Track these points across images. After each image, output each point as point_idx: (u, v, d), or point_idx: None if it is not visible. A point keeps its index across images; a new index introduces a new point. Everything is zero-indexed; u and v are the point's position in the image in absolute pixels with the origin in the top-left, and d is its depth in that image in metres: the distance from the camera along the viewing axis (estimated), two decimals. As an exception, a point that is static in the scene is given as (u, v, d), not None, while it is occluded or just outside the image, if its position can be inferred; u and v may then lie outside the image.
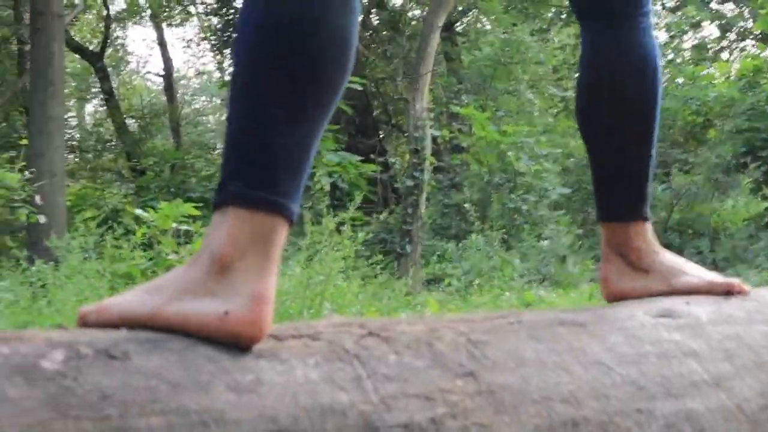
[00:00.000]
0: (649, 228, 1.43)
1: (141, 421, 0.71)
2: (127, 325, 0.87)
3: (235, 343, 0.85)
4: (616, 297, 1.40)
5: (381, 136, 15.01)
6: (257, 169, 0.94)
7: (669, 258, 1.42)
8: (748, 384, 1.15)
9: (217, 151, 18.55)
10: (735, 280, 1.42)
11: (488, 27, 15.25)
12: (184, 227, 2.76)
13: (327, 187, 9.35)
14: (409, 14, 15.45)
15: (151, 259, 2.75)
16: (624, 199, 1.42)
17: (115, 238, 3.51)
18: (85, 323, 0.91)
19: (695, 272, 1.41)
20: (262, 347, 0.85)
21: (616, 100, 1.39)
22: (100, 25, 18.76)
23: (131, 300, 0.92)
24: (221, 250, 0.91)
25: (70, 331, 0.82)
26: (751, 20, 15.74)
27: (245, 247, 0.91)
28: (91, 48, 17.64)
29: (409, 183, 9.03)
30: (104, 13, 17.87)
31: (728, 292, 1.38)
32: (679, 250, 10.24)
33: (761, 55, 13.09)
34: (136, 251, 3.37)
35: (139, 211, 2.64)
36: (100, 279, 3.39)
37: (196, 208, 2.75)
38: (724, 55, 17.70)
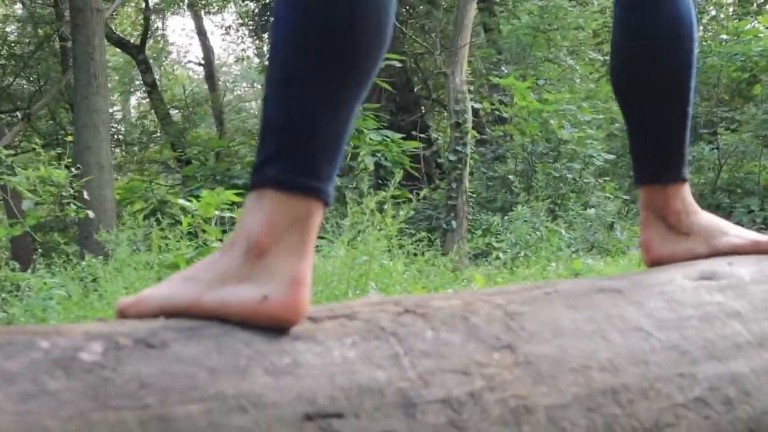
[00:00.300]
0: (687, 189, 1.41)
1: (180, 408, 0.72)
2: (166, 315, 0.88)
3: (274, 326, 0.86)
4: (658, 262, 1.39)
5: (422, 111, 14.97)
6: (295, 153, 0.94)
7: (709, 219, 1.40)
8: (793, 343, 1.13)
9: (260, 137, 18.63)
10: None
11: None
12: (227, 214, 2.79)
13: (371, 167, 9.36)
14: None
15: (197, 247, 2.79)
16: (661, 160, 1.40)
17: (161, 229, 3.55)
18: (123, 315, 0.93)
19: (737, 232, 1.39)
20: (299, 329, 0.86)
21: (650, 64, 1.38)
22: (140, 17, 18.92)
23: (169, 290, 0.93)
24: (258, 235, 0.92)
25: (109, 324, 0.84)
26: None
27: (282, 231, 0.92)
28: (131, 41, 17.79)
29: (452, 158, 9.00)
30: (143, 5, 18.02)
31: None
32: (729, 210, 10.11)
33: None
34: (182, 241, 3.42)
35: (182, 201, 2.67)
36: (149, 270, 3.45)
37: (237, 194, 2.77)
38: (769, 8, 17.33)
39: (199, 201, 2.72)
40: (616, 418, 0.93)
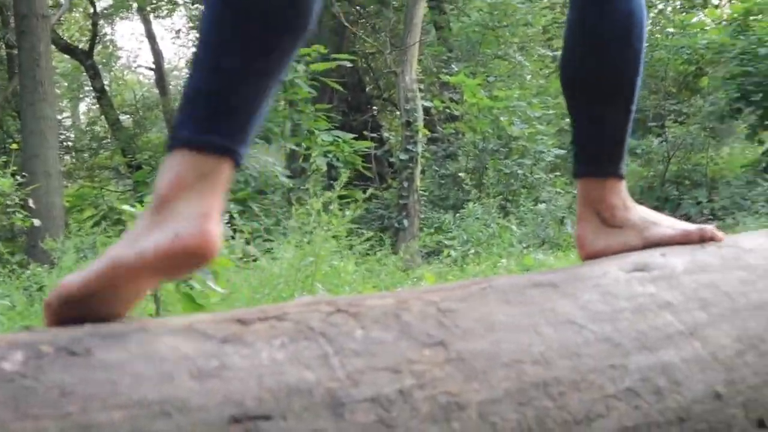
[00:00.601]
0: (624, 185, 1.43)
1: (102, 415, 0.71)
2: (91, 291, 0.91)
3: (192, 263, 0.92)
4: (592, 256, 1.40)
5: (374, 111, 14.97)
6: (207, 117, 0.99)
7: (642, 212, 1.43)
8: (725, 331, 1.15)
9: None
10: (709, 227, 1.42)
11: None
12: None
13: (323, 167, 9.35)
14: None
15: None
16: (602, 156, 1.42)
17: (107, 237, 3.51)
18: (52, 311, 0.94)
19: (669, 223, 1.41)
20: (227, 333, 0.86)
21: (599, 62, 1.40)
22: (88, 22, 18.69)
23: (88, 269, 0.94)
24: (166, 189, 0.95)
25: (33, 332, 0.82)
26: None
27: (190, 185, 0.95)
28: (80, 46, 17.57)
29: (403, 156, 9.02)
30: (90, 10, 17.80)
31: (703, 239, 1.38)
32: (678, 202, 10.25)
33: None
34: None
35: (126, 207, 2.64)
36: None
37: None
38: (715, 1, 17.59)
39: (143, 206, 2.69)
40: (547, 411, 0.94)
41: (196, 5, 18.70)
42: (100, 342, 0.79)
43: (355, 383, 0.84)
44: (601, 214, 1.41)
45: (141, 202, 2.73)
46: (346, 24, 11.82)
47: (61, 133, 16.98)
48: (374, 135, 11.41)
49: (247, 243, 4.10)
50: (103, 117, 17.44)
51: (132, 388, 0.75)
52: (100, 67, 17.92)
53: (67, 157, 17.32)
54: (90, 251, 4.40)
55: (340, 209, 3.82)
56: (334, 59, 9.54)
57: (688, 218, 9.68)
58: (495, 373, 0.93)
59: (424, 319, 0.96)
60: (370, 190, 4.88)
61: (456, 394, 0.89)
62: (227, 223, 4.28)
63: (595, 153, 1.43)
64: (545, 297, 1.09)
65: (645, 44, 1.42)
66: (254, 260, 3.95)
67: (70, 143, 18.27)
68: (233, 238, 4.09)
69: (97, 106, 18.15)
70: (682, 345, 1.09)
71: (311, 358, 0.85)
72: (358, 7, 14.96)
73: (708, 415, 1.06)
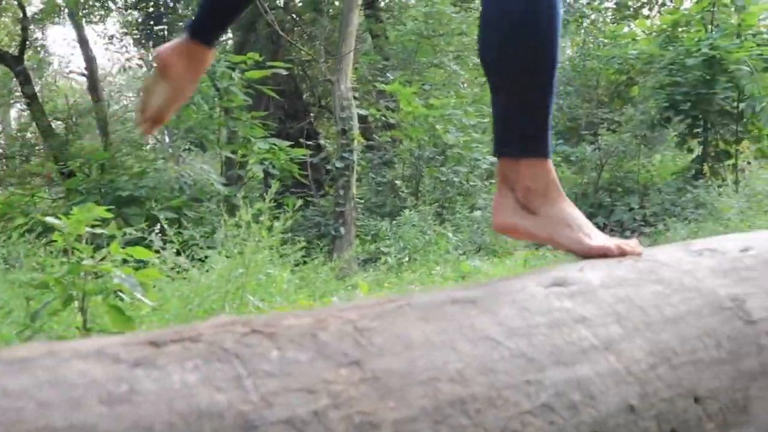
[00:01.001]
0: (547, 169, 1.43)
1: (4, 444, 0.70)
2: None
3: None
4: (501, 228, 1.43)
5: (311, 118, 14.94)
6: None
7: (563, 208, 1.43)
8: (638, 345, 1.17)
9: (148, 147, 18.30)
10: (631, 242, 1.44)
11: (412, 1, 15.23)
12: (98, 231, 2.73)
13: (260, 175, 9.33)
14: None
15: (65, 264, 2.72)
16: (516, 135, 1.44)
17: (34, 252, 3.45)
18: None
19: (586, 231, 1.42)
20: (139, 356, 0.85)
21: (517, 40, 1.42)
22: (17, 27, 18.33)
23: None
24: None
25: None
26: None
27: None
28: (9, 51, 17.21)
29: (339, 164, 9.01)
30: (20, 15, 17.46)
31: (623, 254, 1.40)
32: (611, 209, 10.41)
33: (680, 8, 13.27)
34: (57, 258, 3.33)
35: (50, 219, 2.59)
36: (15, 289, 3.35)
37: (108, 210, 2.72)
38: (646, 12, 17.93)
39: (69, 218, 2.65)
40: (464, 429, 0.94)
41: (129, 11, 18.47)
42: (5, 368, 0.77)
43: (268, 405, 0.84)
44: (515, 194, 1.43)
45: (67, 214, 2.69)
46: (281, 32, 11.78)
47: (-10, 140, 16.63)
48: (311, 143, 11.38)
49: (178, 254, 4.06)
50: (34, 123, 17.09)
51: (38, 415, 0.73)
52: (31, 72, 17.58)
53: (-3, 164, 16.98)
54: (17, 261, 4.32)
55: (275, 218, 3.81)
56: (270, 67, 9.50)
57: (621, 224, 9.85)
58: (411, 391, 0.93)
59: (341, 338, 0.96)
60: (298, 202, 4.85)
61: (371, 413, 0.89)
62: (158, 232, 4.24)
63: (511, 132, 1.45)
64: (463, 313, 1.10)
65: (557, 34, 1.43)
66: (185, 270, 3.91)
67: (0, 150, 17.90)
68: (164, 248, 4.05)
69: (28, 112, 17.79)
70: (596, 359, 1.11)
71: (224, 380, 0.84)
72: (293, 15, 14.92)
73: (622, 428, 1.08)
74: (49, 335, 2.78)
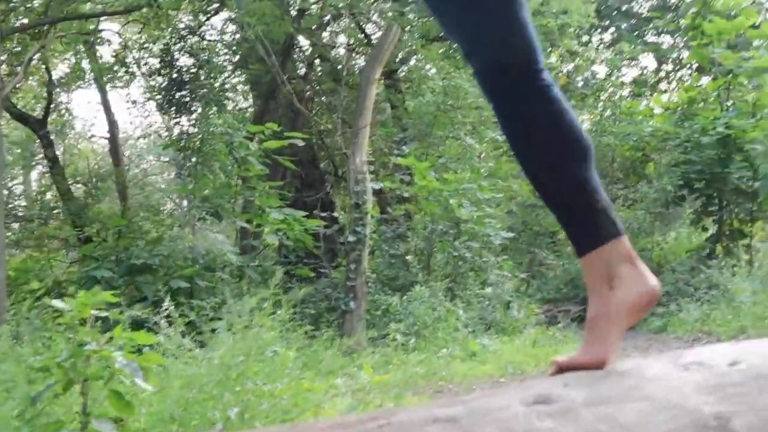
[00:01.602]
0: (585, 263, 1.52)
1: None
2: None
3: None
4: None
5: (328, 187, 15.02)
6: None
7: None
8: (617, 467, 1.17)
9: (165, 210, 18.44)
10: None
11: (432, 71, 15.40)
12: (104, 314, 2.76)
13: (276, 243, 9.38)
14: (352, 62, 15.54)
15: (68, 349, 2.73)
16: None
17: (43, 322, 3.48)
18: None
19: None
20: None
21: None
22: (43, 91, 18.61)
23: None
24: None
25: None
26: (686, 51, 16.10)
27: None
28: (35, 114, 17.46)
29: (352, 238, 9.05)
30: (46, 78, 17.74)
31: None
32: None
33: (696, 85, 13.37)
34: (65, 333, 3.33)
35: (56, 302, 2.62)
36: (20, 366, 3.36)
37: (114, 295, 2.75)
38: (663, 86, 18.05)
39: (74, 300, 2.69)
40: None
41: (153, 76, 18.73)
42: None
43: None
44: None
45: (93, 277, 2.71)
46: (298, 105, 11.93)
47: (11, 200, 16.77)
48: (323, 214, 11.42)
49: (183, 336, 4.07)
50: (54, 186, 17.26)
51: None
52: (54, 135, 17.80)
53: (15, 225, 17.10)
54: (27, 331, 4.32)
55: (285, 291, 3.82)
56: (287, 137, 9.61)
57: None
58: None
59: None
60: (303, 291, 4.86)
61: None
62: (166, 308, 4.26)
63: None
64: (442, 435, 1.11)
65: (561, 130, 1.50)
66: (189, 350, 3.92)
67: (19, 213, 18.05)
68: (169, 325, 4.06)
69: (49, 174, 17.98)
70: (573, 484, 1.11)
71: None
72: (313, 84, 15.11)
73: None
74: (49, 418, 2.79)
